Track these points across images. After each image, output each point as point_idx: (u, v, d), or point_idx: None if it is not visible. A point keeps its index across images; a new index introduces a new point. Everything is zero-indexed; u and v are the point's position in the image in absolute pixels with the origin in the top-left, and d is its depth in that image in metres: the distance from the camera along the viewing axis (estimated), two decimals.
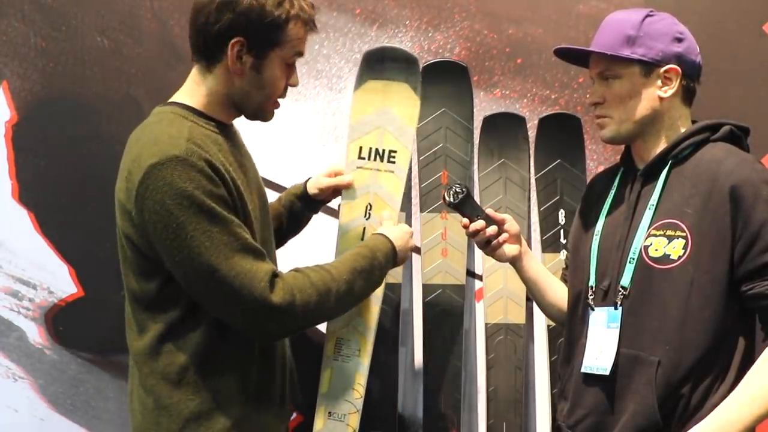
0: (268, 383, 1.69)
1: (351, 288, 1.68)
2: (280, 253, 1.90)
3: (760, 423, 1.48)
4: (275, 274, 1.57)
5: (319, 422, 1.96)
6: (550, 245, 2.30)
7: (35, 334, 2.43)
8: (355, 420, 1.95)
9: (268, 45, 1.60)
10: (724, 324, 1.53)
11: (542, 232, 2.31)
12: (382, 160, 2.02)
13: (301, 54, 1.65)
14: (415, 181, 2.33)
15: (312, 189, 2.00)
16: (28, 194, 2.43)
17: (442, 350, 2.26)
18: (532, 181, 2.34)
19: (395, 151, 2.02)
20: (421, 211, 2.30)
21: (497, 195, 2.31)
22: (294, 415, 2.33)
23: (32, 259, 2.43)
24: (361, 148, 2.03)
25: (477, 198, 2.30)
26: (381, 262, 1.78)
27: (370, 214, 1.99)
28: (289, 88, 1.70)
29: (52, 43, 2.41)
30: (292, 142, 2.36)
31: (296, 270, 1.64)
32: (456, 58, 2.34)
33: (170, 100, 1.67)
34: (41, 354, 2.42)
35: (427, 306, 2.28)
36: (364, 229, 1.99)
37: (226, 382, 1.62)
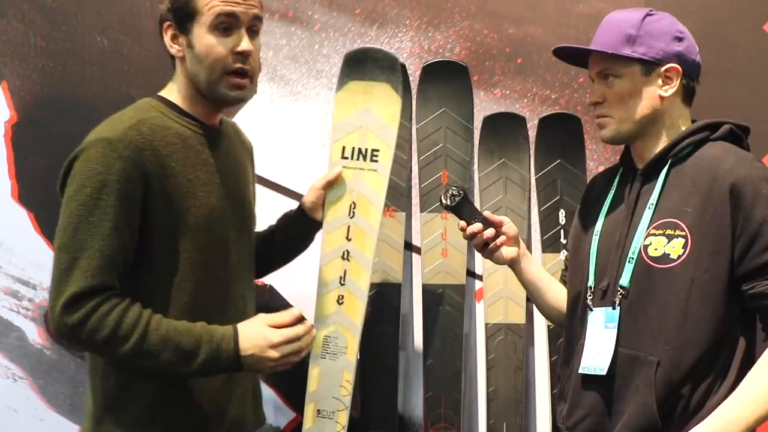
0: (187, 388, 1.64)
1: (155, 356, 1.54)
2: None
3: (761, 424, 1.47)
4: (97, 292, 1.51)
5: (308, 420, 1.97)
6: (550, 245, 2.30)
7: (35, 334, 2.42)
8: (343, 417, 1.95)
9: (188, 18, 1.63)
10: (724, 323, 1.52)
11: (542, 233, 2.31)
12: (365, 159, 2.02)
13: (229, 15, 1.62)
14: (415, 181, 2.33)
15: (308, 202, 1.98)
16: (28, 194, 2.43)
17: (442, 351, 2.26)
18: (532, 181, 2.34)
19: (378, 150, 2.03)
20: (421, 211, 2.29)
21: (497, 195, 2.31)
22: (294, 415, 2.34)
23: (32, 259, 2.42)
24: (344, 147, 2.03)
25: (477, 198, 2.30)
26: (207, 353, 1.56)
27: (354, 212, 2.00)
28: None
29: (52, 43, 2.41)
30: (292, 142, 2.36)
31: (129, 304, 1.54)
32: (456, 58, 2.34)
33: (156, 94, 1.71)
34: (41, 354, 2.42)
35: (427, 306, 2.27)
36: (349, 227, 2.00)
37: (135, 379, 1.61)
